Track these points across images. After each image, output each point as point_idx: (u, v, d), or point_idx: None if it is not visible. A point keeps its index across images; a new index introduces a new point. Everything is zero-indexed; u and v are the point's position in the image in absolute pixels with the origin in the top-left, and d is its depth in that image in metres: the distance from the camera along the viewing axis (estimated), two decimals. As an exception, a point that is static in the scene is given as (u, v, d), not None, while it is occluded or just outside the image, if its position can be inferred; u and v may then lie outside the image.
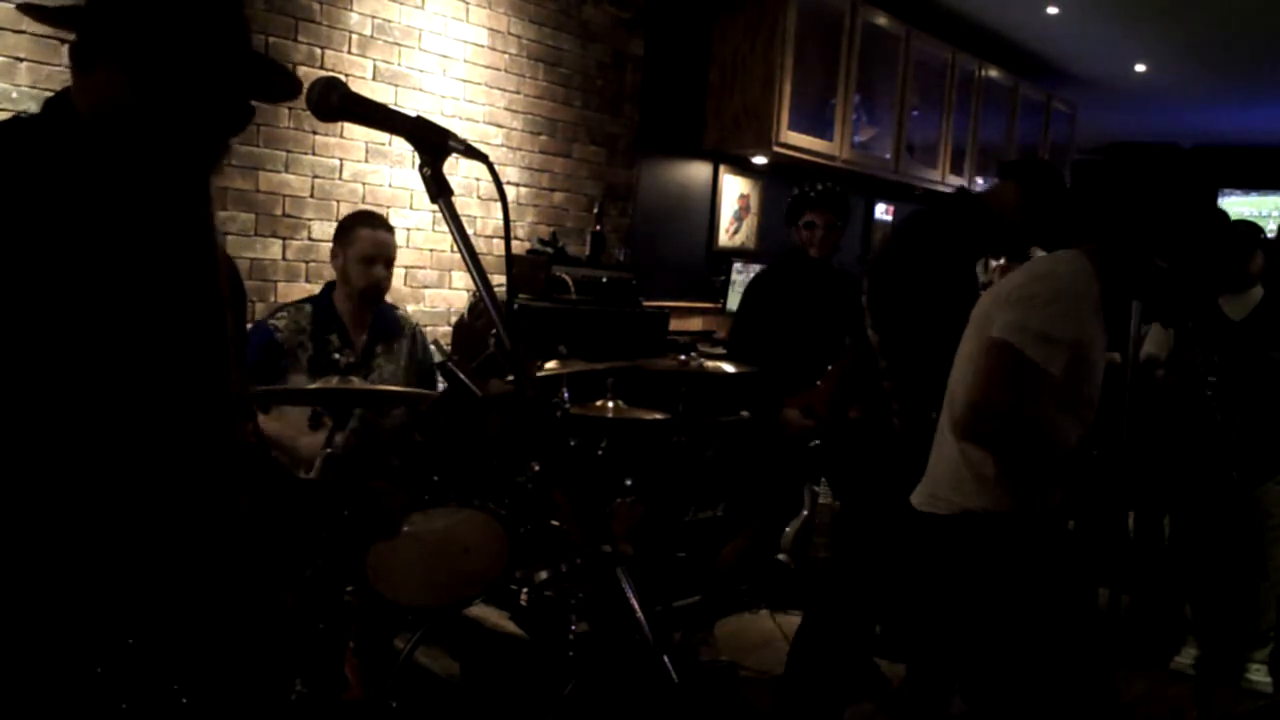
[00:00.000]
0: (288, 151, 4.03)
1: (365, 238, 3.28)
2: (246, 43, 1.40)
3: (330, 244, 3.39)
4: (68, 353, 1.28)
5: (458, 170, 4.42)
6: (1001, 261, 5.16)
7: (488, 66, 4.73)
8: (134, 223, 1.35)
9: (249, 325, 3.23)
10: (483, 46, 4.69)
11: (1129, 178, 2.52)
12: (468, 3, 4.61)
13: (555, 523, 3.03)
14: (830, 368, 3.82)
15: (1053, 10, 6.95)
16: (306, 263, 4.10)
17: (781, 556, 4.30)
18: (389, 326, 3.39)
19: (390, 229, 3.42)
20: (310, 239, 4.10)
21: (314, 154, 4.11)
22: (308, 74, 3.99)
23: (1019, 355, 2.31)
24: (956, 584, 2.50)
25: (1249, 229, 4.36)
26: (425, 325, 4.52)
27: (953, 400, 2.54)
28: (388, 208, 4.31)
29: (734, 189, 6.18)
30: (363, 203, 4.23)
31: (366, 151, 4.24)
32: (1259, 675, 4.27)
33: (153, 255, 1.36)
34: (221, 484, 1.39)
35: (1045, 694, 2.43)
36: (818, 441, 3.87)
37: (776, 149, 5.77)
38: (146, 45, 1.31)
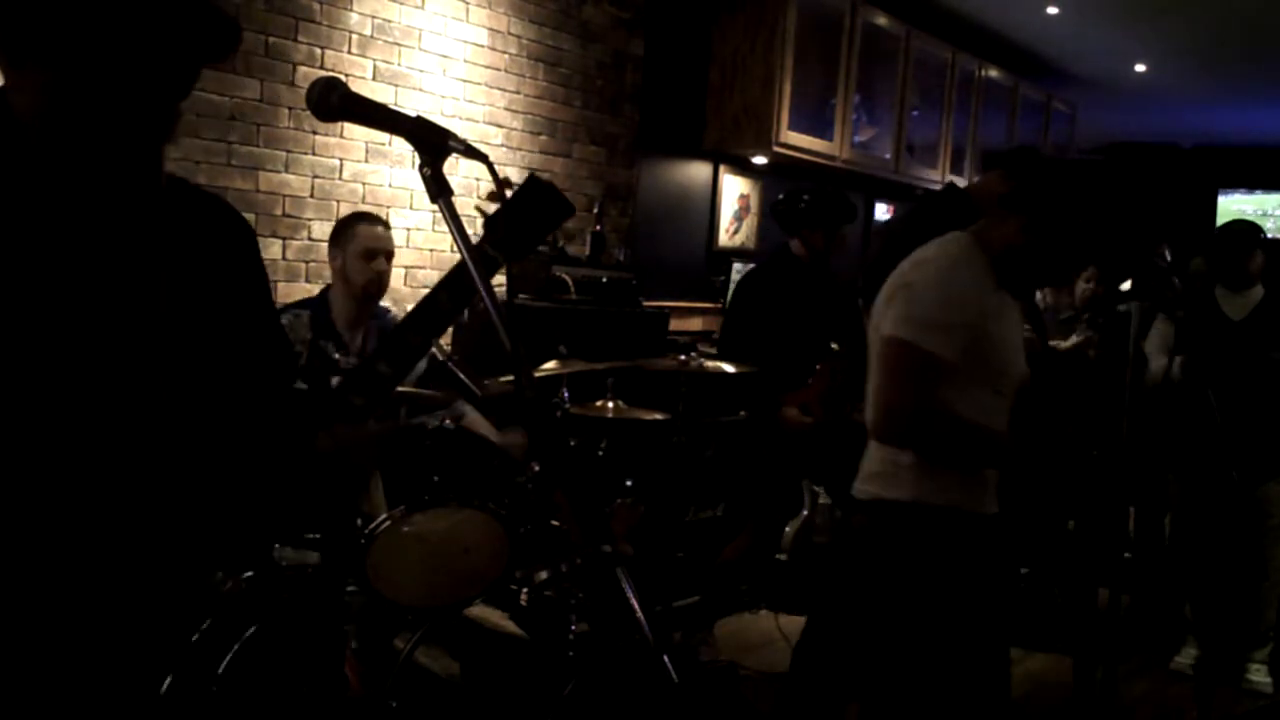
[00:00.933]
0: (288, 151, 4.03)
1: (364, 233, 3.27)
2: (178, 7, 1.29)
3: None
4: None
5: (458, 170, 4.42)
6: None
7: (488, 66, 4.73)
8: (77, 221, 1.27)
9: None
10: (483, 46, 4.69)
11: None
12: (468, 3, 4.61)
13: (555, 523, 3.03)
14: (819, 367, 3.82)
15: (1053, 10, 6.94)
16: (306, 263, 4.10)
17: (781, 556, 4.30)
18: (387, 327, 3.39)
19: (387, 225, 3.42)
20: (310, 239, 4.10)
21: (314, 154, 4.11)
22: (308, 74, 3.99)
23: (913, 348, 2.26)
24: (870, 575, 2.42)
25: (1249, 228, 4.36)
26: (425, 325, 4.53)
27: (868, 398, 2.47)
28: (388, 208, 4.31)
29: (734, 189, 6.18)
30: (363, 203, 4.23)
31: (366, 151, 4.24)
32: (1259, 675, 4.27)
33: (94, 255, 1.28)
34: (169, 482, 1.33)
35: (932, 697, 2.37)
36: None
37: (776, 149, 5.77)
38: (76, 38, 1.22)
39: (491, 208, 1.42)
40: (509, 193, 1.37)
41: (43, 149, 1.26)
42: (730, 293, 4.47)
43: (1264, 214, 11.00)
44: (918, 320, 2.26)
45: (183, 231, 1.37)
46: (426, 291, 1.43)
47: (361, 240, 3.26)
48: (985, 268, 2.36)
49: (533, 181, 1.41)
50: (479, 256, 1.29)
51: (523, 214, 1.39)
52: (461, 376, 1.39)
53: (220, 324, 1.39)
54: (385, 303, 3.43)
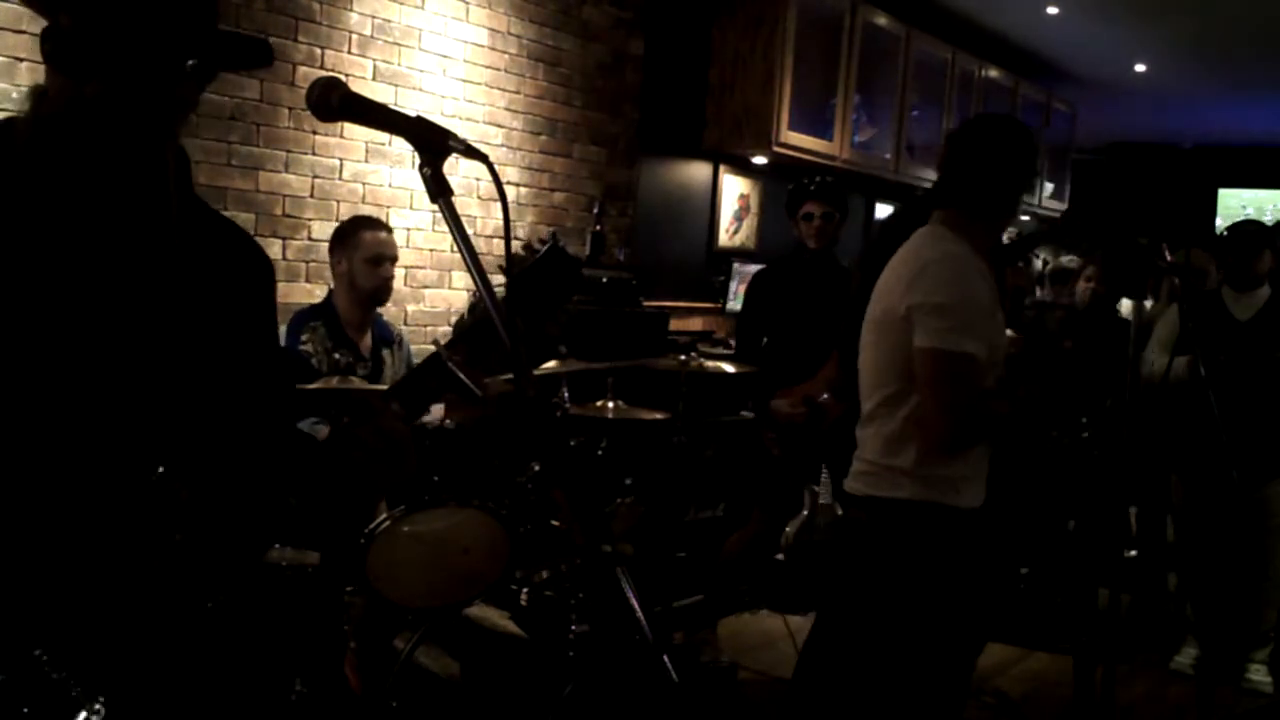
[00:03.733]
0: (288, 151, 4.03)
1: (369, 240, 3.31)
2: (213, 22, 1.30)
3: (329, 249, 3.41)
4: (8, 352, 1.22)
5: (458, 170, 4.42)
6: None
7: (488, 66, 4.72)
8: (85, 217, 1.28)
9: None
10: (483, 46, 4.69)
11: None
12: (468, 3, 4.61)
13: (555, 523, 3.03)
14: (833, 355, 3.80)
15: (1053, 10, 6.94)
16: (306, 263, 4.10)
17: (781, 556, 4.30)
18: (386, 331, 3.47)
19: (389, 229, 3.45)
20: (310, 239, 4.10)
21: (314, 154, 4.10)
22: (308, 74, 3.99)
23: (954, 356, 2.33)
24: (869, 570, 2.49)
25: (1258, 229, 4.35)
26: (425, 325, 4.53)
27: (870, 388, 2.53)
28: (388, 208, 4.31)
29: (734, 189, 6.18)
30: (363, 203, 4.23)
31: (366, 151, 4.24)
32: (1259, 675, 4.27)
33: (103, 251, 1.29)
34: (163, 481, 1.33)
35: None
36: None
37: (776, 149, 5.77)
38: (100, 40, 1.22)
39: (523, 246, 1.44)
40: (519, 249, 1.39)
41: (49, 146, 1.26)
42: (745, 290, 4.52)
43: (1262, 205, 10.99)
44: (949, 329, 2.34)
45: (197, 246, 1.37)
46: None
47: (368, 247, 3.30)
48: (974, 254, 2.46)
49: (556, 249, 1.43)
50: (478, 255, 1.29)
51: (543, 279, 1.41)
52: (461, 377, 1.38)
53: (221, 345, 1.39)
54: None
